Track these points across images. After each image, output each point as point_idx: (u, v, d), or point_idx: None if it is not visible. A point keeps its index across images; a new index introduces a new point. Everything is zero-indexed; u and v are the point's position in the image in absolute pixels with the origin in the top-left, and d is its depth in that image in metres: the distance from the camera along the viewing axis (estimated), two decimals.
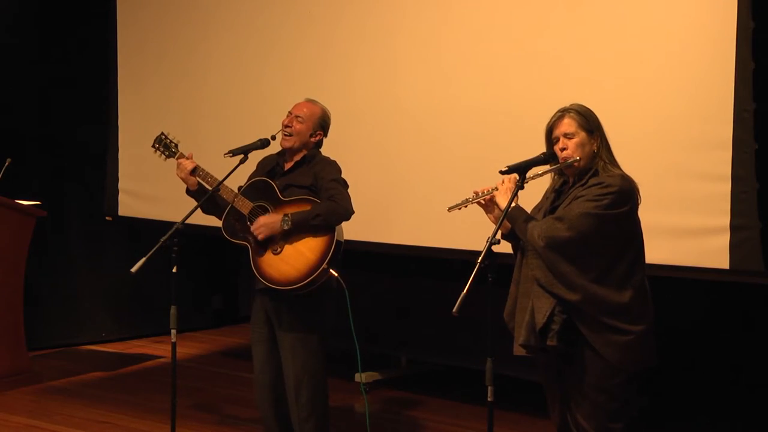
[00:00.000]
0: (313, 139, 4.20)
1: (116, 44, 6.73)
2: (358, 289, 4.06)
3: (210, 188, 4.11)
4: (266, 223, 4.04)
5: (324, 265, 3.95)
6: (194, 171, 4.16)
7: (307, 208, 4.01)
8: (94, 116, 6.96)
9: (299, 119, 4.17)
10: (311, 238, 3.99)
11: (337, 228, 4.02)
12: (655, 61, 4.49)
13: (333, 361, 4.22)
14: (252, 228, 4.06)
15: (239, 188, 4.21)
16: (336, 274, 3.99)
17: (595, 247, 3.23)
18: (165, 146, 4.29)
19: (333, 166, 4.16)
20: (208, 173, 4.16)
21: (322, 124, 4.22)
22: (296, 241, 4.00)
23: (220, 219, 4.20)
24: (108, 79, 6.77)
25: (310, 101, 4.25)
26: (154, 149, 4.32)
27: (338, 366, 4.65)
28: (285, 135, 4.17)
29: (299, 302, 4.04)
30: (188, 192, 4.22)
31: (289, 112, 4.21)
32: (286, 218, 3.99)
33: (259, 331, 4.19)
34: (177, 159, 4.22)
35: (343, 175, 4.15)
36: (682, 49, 4.41)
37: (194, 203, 4.13)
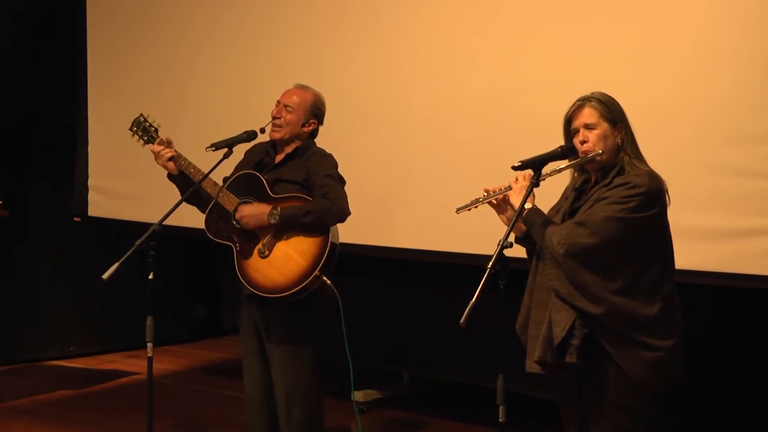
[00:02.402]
0: (305, 129, 4.19)
1: (86, 28, 6.74)
2: (357, 298, 4.06)
3: (193, 179, 4.11)
4: (253, 213, 4.03)
5: (316, 272, 3.92)
6: (171, 159, 4.15)
7: None
8: (61, 107, 6.96)
9: (288, 108, 4.16)
10: (303, 240, 3.98)
11: (331, 229, 4.00)
12: (684, 45, 4.49)
13: (328, 378, 4.20)
14: (237, 216, 4.04)
15: (224, 179, 4.19)
16: (329, 282, 3.96)
17: (620, 254, 3.20)
18: (144, 130, 4.32)
19: (328, 160, 4.15)
20: (190, 164, 4.17)
21: (315, 112, 4.21)
22: (286, 243, 4.00)
23: (202, 211, 4.19)
24: (77, 66, 6.75)
25: (300, 87, 4.24)
26: (131, 133, 4.33)
27: (334, 383, 4.63)
28: (274, 127, 4.15)
29: (290, 311, 4.04)
30: (169, 177, 4.22)
31: (278, 102, 4.20)
32: (274, 212, 3.98)
33: (248, 344, 4.19)
34: (156, 144, 4.20)
35: (342, 173, 4.16)
36: (716, 32, 4.39)
37: (174, 200, 4.13)
